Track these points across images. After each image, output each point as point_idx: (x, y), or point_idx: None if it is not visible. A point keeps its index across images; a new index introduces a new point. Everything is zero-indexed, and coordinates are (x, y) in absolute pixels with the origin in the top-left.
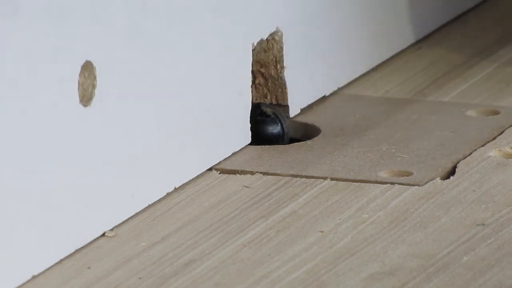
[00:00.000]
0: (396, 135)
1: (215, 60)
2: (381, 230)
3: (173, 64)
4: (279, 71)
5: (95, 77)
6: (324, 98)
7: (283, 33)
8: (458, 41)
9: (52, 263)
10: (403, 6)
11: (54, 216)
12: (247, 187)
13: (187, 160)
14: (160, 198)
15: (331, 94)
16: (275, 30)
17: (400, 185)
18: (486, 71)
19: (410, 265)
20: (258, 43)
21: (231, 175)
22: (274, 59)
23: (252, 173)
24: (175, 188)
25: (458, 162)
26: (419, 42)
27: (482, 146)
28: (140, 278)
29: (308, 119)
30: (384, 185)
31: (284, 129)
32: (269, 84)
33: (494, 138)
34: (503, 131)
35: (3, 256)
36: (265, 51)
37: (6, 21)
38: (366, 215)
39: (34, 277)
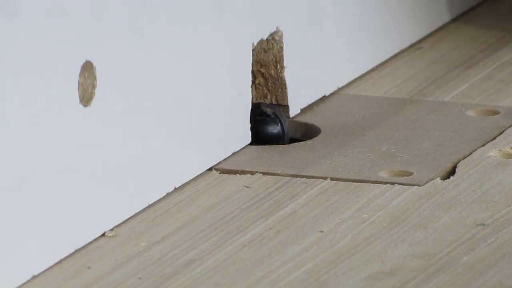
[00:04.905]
0: (396, 135)
1: (215, 60)
2: (381, 230)
3: (173, 64)
4: (279, 71)
5: (95, 77)
6: (324, 98)
7: (283, 33)
8: (458, 41)
9: (52, 263)
10: (403, 6)
11: (54, 216)
12: (247, 187)
13: (187, 160)
14: (160, 198)
15: (331, 94)
16: (275, 30)
17: (400, 185)
18: (486, 71)
19: (410, 265)
20: (258, 43)
21: (231, 175)
22: (274, 59)
23: (252, 173)
24: (175, 188)
25: (458, 162)
26: (419, 42)
27: (482, 146)
28: (140, 278)
29: (308, 119)
30: (384, 185)
31: (284, 129)
32: (269, 84)
33: (494, 138)
34: (503, 131)
35: (3, 256)
36: (265, 51)
37: (6, 21)
38: (366, 215)
39: (34, 277)
